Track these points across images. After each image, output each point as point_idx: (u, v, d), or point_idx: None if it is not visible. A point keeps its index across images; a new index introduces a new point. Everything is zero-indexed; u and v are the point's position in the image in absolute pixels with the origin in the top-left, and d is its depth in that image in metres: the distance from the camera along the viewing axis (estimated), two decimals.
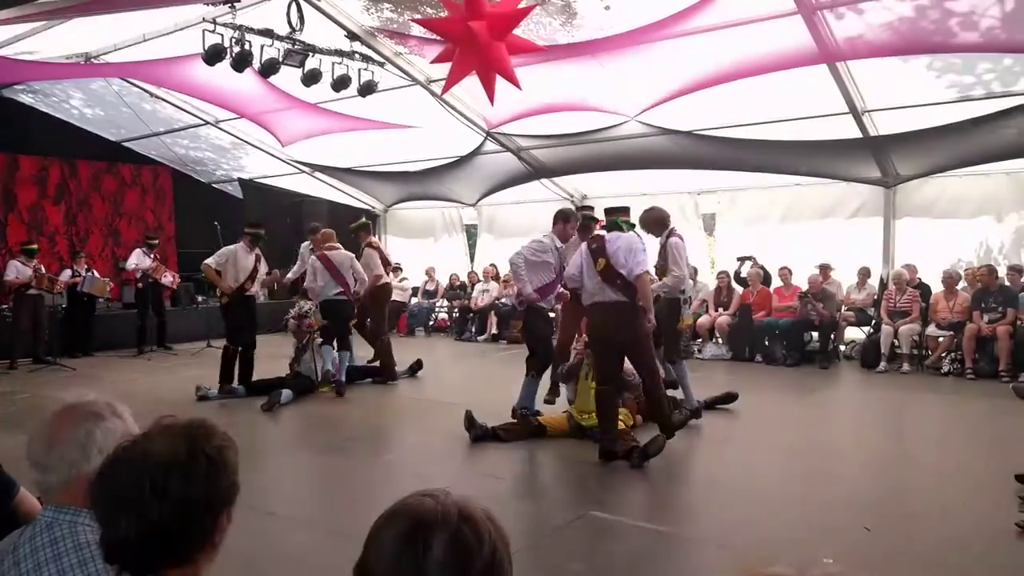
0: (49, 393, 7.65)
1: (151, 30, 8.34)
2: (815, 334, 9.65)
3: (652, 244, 6.33)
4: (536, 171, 11.15)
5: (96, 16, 7.58)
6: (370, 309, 8.61)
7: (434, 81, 8.78)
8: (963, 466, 5.15)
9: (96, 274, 10.73)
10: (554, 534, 3.96)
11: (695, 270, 10.33)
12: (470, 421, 5.80)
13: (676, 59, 7.65)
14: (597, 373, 5.49)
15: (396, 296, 11.13)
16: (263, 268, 8.12)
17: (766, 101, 8.20)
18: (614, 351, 5.36)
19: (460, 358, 10.96)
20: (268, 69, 7.87)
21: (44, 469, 1.49)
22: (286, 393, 7.30)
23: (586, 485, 4.89)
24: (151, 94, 10.55)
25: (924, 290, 9.30)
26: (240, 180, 13.66)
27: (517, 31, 5.18)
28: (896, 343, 9.01)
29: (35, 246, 10.33)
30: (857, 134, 8.38)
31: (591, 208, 7.93)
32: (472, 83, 5.70)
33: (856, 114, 8.05)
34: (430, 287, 13.62)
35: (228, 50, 7.52)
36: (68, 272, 10.55)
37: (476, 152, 10.79)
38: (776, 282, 10.18)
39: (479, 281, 12.82)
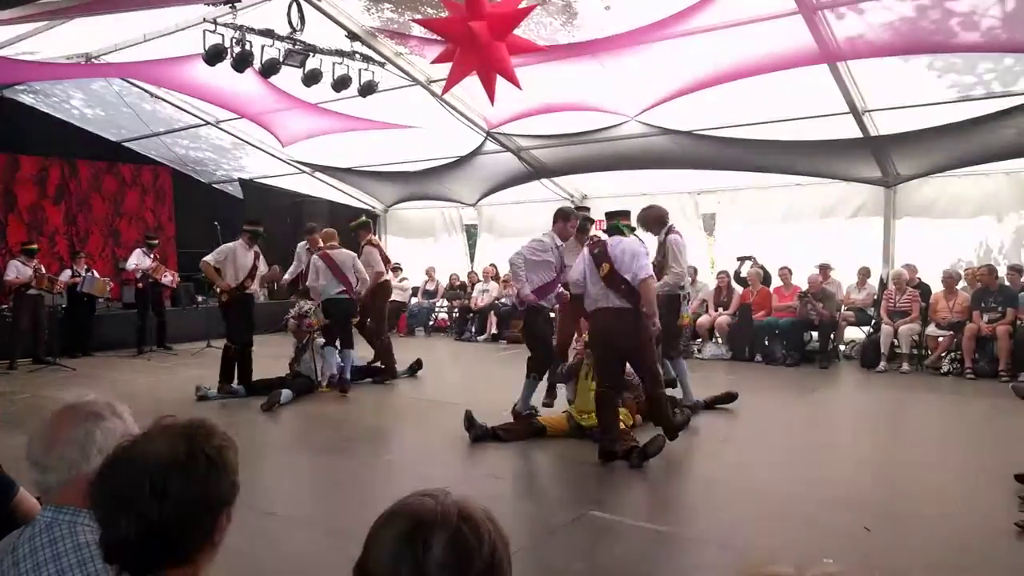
0: (49, 393, 7.65)
1: (152, 30, 8.34)
2: (815, 334, 9.65)
3: (651, 242, 6.35)
4: (536, 171, 11.15)
5: (97, 16, 7.58)
6: (370, 307, 8.61)
7: (434, 81, 8.78)
8: (963, 466, 5.15)
9: (96, 274, 10.73)
10: (554, 534, 3.96)
11: (695, 270, 10.34)
12: (470, 421, 5.80)
13: (676, 59, 7.65)
14: (598, 374, 5.50)
15: (396, 296, 11.14)
16: (263, 265, 8.11)
17: (766, 101, 8.20)
18: (616, 356, 5.37)
19: (460, 358, 10.97)
20: (269, 69, 7.87)
21: (44, 469, 1.49)
22: (286, 393, 7.29)
23: (586, 485, 4.89)
24: (151, 94, 10.55)
25: (924, 290, 9.31)
26: (240, 180, 13.67)
27: (517, 31, 5.18)
28: (896, 343, 9.01)
29: (35, 246, 10.32)
30: (857, 134, 8.38)
31: (587, 209, 7.94)
32: (472, 83, 5.70)
33: (856, 114, 8.06)
34: (430, 287, 13.63)
35: (229, 50, 7.52)
36: (68, 272, 10.55)
37: (476, 152, 10.80)
38: (776, 282, 10.18)
39: (479, 281, 12.83)
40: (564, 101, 8.93)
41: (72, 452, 1.48)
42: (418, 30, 7.72)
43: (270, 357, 8.40)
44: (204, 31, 7.41)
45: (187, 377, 8.44)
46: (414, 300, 13.49)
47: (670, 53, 7.55)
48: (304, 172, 12.97)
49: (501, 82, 5.35)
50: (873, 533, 3.84)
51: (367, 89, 8.51)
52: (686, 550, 3.85)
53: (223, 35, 7.47)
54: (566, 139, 9.97)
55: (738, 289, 10.36)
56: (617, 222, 5.55)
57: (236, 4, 7.15)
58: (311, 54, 8.04)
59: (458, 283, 13.29)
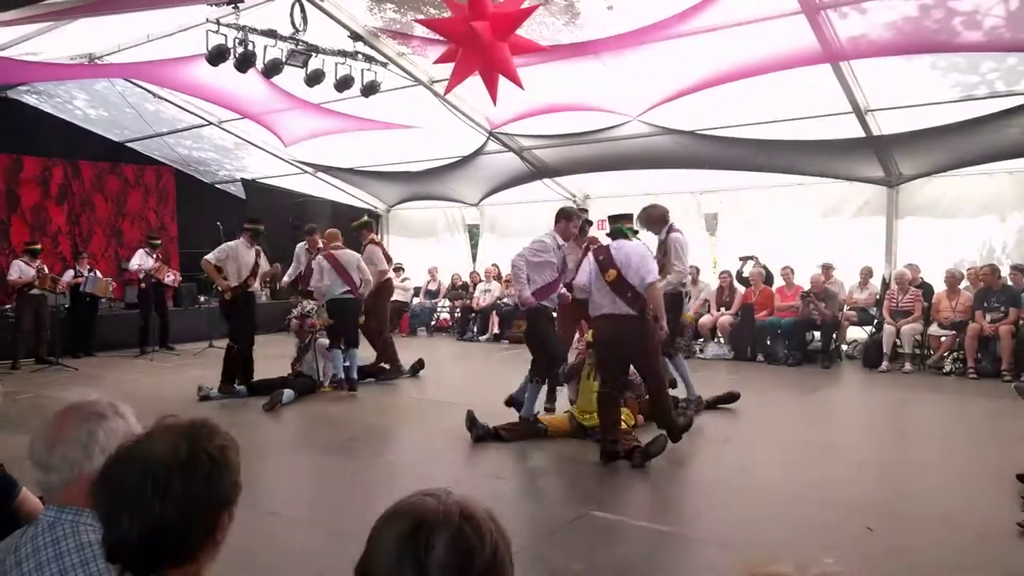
0: (51, 393, 7.67)
1: (155, 31, 8.36)
2: (817, 334, 9.65)
3: (652, 242, 6.34)
4: (538, 171, 11.15)
5: (101, 17, 7.59)
6: (371, 307, 8.61)
7: (437, 81, 8.79)
8: (965, 466, 5.14)
9: (98, 274, 10.74)
10: (555, 534, 3.96)
11: (697, 269, 10.36)
12: (471, 421, 5.80)
13: (679, 59, 7.64)
14: (600, 375, 5.49)
15: (398, 296, 11.15)
16: (264, 264, 8.12)
17: (769, 101, 8.20)
18: (621, 360, 5.38)
19: (462, 358, 10.97)
20: (271, 69, 7.89)
21: (46, 469, 1.50)
22: (288, 393, 7.30)
23: (587, 485, 4.88)
24: (154, 95, 10.57)
25: (926, 290, 9.29)
26: (243, 180, 13.69)
27: (520, 31, 5.19)
28: (898, 343, 9.00)
29: (39, 246, 10.34)
30: (860, 133, 8.37)
31: (586, 211, 7.95)
32: (475, 83, 5.70)
33: (859, 113, 8.05)
34: (432, 287, 13.63)
35: (232, 51, 7.53)
36: (71, 272, 10.58)
37: (479, 152, 10.80)
38: (778, 282, 10.17)
39: (481, 281, 12.84)
40: (566, 101, 8.93)
41: (75, 452, 1.48)
42: (421, 30, 7.73)
43: (272, 357, 8.40)
44: (207, 31, 7.43)
45: (189, 377, 8.46)
46: (416, 300, 13.50)
47: (673, 53, 7.55)
48: (306, 172, 12.98)
49: (503, 82, 5.36)
50: (875, 533, 3.84)
51: (369, 89, 8.52)
52: (688, 550, 3.85)
53: (226, 35, 7.49)
54: (568, 139, 9.97)
55: (740, 289, 10.35)
56: (620, 225, 5.55)
57: (239, 4, 7.16)
58: (314, 54, 8.05)
59: (460, 283, 13.29)
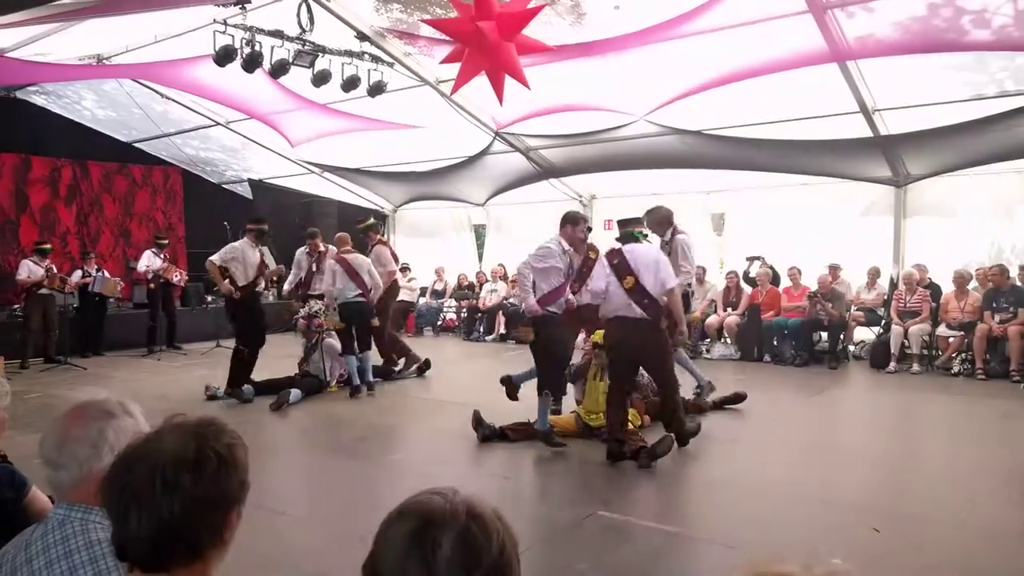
0: (60, 392, 7.70)
1: (162, 31, 8.39)
2: (824, 334, 9.61)
3: (656, 243, 6.32)
4: (545, 171, 11.15)
5: (109, 18, 7.63)
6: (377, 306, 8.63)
7: (443, 81, 8.79)
8: (973, 467, 5.11)
9: (107, 274, 10.79)
10: (562, 534, 3.96)
11: (703, 269, 10.35)
12: (478, 421, 5.80)
13: (685, 58, 7.63)
14: (610, 376, 5.48)
15: (404, 296, 11.17)
16: (271, 262, 8.12)
17: (776, 100, 8.17)
18: (631, 362, 5.38)
19: (468, 358, 10.97)
20: (278, 70, 7.90)
21: (56, 467, 1.50)
22: (295, 393, 7.32)
23: (593, 485, 4.89)
24: (162, 95, 10.60)
25: (934, 290, 9.25)
26: (250, 180, 13.73)
27: (526, 31, 5.19)
28: (906, 343, 8.96)
29: (48, 246, 10.41)
30: (868, 133, 8.34)
31: (586, 219, 7.92)
32: (481, 83, 5.70)
33: (866, 113, 8.02)
34: (438, 287, 13.65)
35: (239, 51, 7.55)
36: (79, 272, 10.63)
37: (485, 152, 10.80)
38: (785, 282, 10.15)
39: (487, 281, 12.84)
40: (573, 101, 8.93)
41: (84, 450, 1.49)
42: (427, 30, 7.74)
43: (279, 357, 8.43)
44: (214, 32, 7.45)
45: (197, 376, 8.49)
46: (422, 300, 13.51)
47: (679, 53, 7.54)
48: (313, 172, 13.01)
49: (510, 82, 5.36)
50: (882, 534, 3.82)
51: (376, 89, 8.53)
52: (694, 550, 3.85)
53: (233, 36, 7.50)
54: (575, 139, 9.96)
55: (747, 289, 10.33)
56: (631, 229, 5.54)
57: (246, 5, 7.18)
58: (320, 54, 8.07)
59: (466, 283, 13.30)
